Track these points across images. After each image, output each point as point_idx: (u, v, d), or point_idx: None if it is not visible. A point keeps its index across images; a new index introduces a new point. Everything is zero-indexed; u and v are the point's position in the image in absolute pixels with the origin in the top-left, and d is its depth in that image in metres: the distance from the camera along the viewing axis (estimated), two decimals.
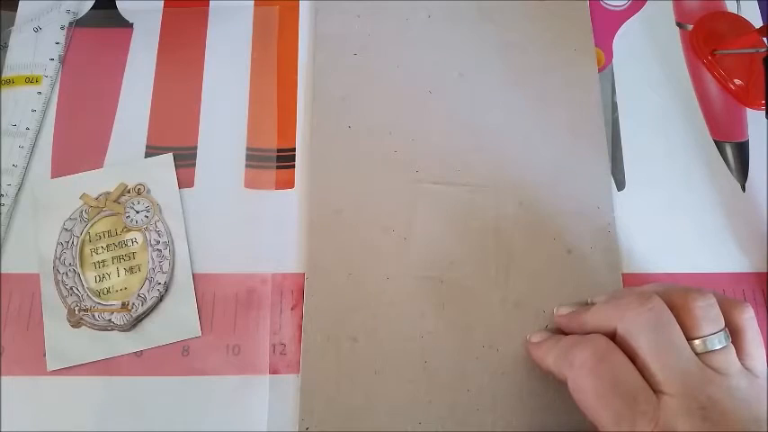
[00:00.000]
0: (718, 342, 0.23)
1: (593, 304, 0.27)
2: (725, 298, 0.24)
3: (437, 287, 0.29)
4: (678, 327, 0.23)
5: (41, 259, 0.28)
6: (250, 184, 0.31)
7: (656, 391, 0.22)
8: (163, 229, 0.29)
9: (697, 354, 0.22)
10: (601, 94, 0.34)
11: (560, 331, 0.28)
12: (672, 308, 0.23)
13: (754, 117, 0.35)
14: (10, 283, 0.28)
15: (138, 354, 0.28)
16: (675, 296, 0.24)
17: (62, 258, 0.28)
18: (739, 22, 0.37)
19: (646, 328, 0.23)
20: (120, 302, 0.28)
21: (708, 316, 0.23)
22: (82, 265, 0.28)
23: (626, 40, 0.36)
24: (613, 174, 0.33)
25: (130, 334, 0.28)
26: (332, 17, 0.34)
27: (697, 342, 0.23)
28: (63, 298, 0.28)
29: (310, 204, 0.30)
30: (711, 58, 0.35)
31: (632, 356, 0.23)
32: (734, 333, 0.23)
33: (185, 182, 0.31)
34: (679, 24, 0.37)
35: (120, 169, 0.30)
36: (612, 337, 0.24)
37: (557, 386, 0.27)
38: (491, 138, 0.32)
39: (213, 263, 0.29)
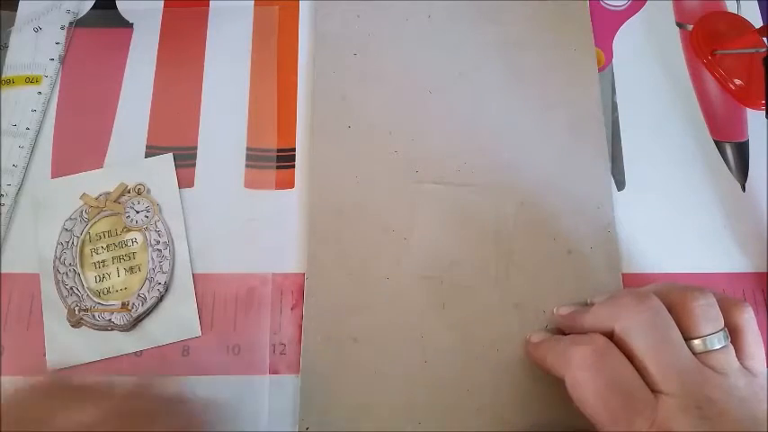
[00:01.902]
0: (718, 342, 0.23)
1: (592, 304, 0.27)
2: (724, 297, 0.24)
3: (437, 287, 0.29)
4: (676, 326, 0.23)
5: (41, 259, 0.28)
6: (250, 184, 0.31)
7: (653, 390, 0.22)
8: (163, 229, 0.29)
9: (696, 353, 0.22)
10: (601, 94, 0.34)
11: (560, 331, 0.28)
12: (671, 307, 0.23)
13: (754, 117, 0.35)
14: (10, 283, 0.28)
15: (138, 354, 0.28)
16: (675, 295, 0.24)
17: (62, 258, 0.28)
18: (739, 22, 0.37)
19: (643, 328, 0.23)
20: (120, 302, 0.28)
21: (707, 315, 0.23)
22: (82, 265, 0.28)
23: (626, 40, 0.36)
24: (613, 174, 0.33)
25: (130, 334, 0.28)
26: (332, 17, 0.34)
27: (696, 342, 0.23)
28: (63, 298, 0.28)
29: (310, 204, 0.30)
30: (711, 58, 0.35)
31: (630, 356, 0.23)
32: (733, 333, 0.23)
33: (185, 182, 0.31)
34: (679, 24, 0.37)
35: (120, 169, 0.30)
36: (611, 337, 0.24)
37: (557, 386, 0.27)
38: (491, 138, 0.32)
39: (213, 263, 0.29)
